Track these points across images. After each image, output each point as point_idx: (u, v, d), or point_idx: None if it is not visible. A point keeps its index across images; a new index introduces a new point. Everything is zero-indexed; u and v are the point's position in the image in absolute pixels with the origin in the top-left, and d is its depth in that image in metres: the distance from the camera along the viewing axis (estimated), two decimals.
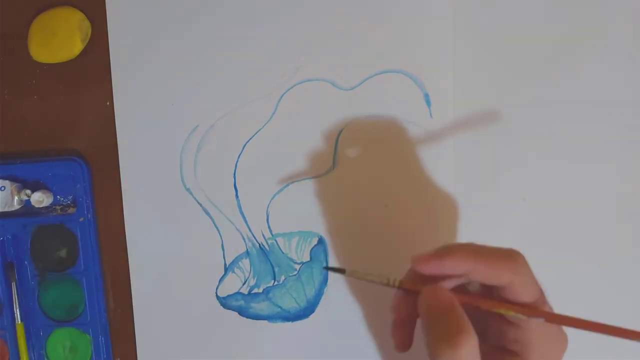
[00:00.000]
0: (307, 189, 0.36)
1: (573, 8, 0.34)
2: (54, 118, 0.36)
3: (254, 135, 0.36)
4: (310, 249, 0.36)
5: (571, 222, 0.35)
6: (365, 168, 0.35)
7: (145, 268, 0.36)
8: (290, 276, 0.36)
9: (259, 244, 0.36)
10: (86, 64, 0.36)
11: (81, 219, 0.36)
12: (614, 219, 0.35)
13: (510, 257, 0.27)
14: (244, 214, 0.36)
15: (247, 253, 0.36)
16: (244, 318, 0.36)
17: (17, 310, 0.36)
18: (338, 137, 0.35)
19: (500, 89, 0.35)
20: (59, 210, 0.36)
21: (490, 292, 0.28)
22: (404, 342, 0.30)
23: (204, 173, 0.36)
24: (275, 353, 0.36)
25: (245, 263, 0.36)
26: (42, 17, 0.35)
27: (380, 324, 0.36)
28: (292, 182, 0.36)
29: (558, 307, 0.28)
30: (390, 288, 0.29)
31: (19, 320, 0.36)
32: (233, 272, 0.36)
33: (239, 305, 0.36)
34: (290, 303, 0.36)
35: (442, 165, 0.35)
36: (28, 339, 0.36)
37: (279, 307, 0.36)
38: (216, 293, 0.36)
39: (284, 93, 0.35)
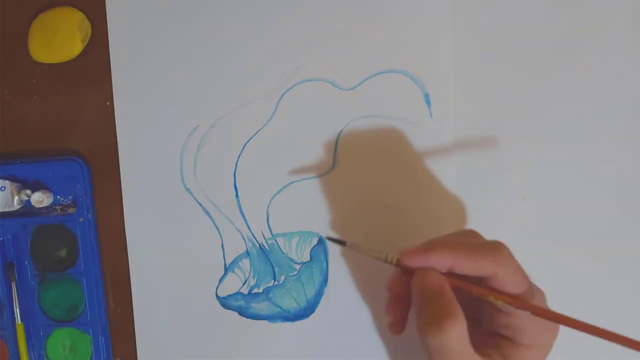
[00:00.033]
0: (307, 189, 0.36)
1: (573, 8, 0.34)
2: (54, 118, 0.36)
3: (254, 135, 0.36)
4: (310, 249, 0.36)
5: (571, 222, 0.35)
6: (365, 168, 0.35)
7: (145, 268, 0.36)
8: (290, 276, 0.36)
9: (259, 244, 0.36)
10: (86, 64, 0.36)
11: (81, 219, 0.36)
12: (614, 219, 0.35)
13: (494, 249, 0.28)
14: (244, 214, 0.36)
15: (247, 253, 0.36)
16: (244, 318, 0.36)
17: (17, 310, 0.36)
18: (338, 137, 0.35)
19: (500, 89, 0.35)
20: (59, 210, 0.36)
21: (479, 283, 0.28)
22: (397, 322, 0.31)
23: (204, 173, 0.36)
24: (275, 353, 0.36)
25: (245, 263, 0.36)
26: (42, 17, 0.35)
27: (380, 323, 0.36)
28: (292, 182, 0.36)
29: (558, 306, 0.28)
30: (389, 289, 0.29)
31: (19, 320, 0.36)
32: (233, 272, 0.36)
33: (239, 305, 0.36)
34: (290, 303, 0.36)
35: (442, 165, 0.35)
36: (28, 339, 0.36)
37: (279, 307, 0.36)
38: (216, 293, 0.36)
39: (284, 93, 0.35)
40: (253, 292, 0.36)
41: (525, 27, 0.35)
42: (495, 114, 0.35)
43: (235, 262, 0.36)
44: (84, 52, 0.36)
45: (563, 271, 0.35)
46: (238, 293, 0.36)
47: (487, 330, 0.30)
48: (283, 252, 0.36)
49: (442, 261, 0.27)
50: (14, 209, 0.35)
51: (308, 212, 0.36)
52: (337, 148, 0.35)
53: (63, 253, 0.36)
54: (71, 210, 0.36)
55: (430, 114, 0.35)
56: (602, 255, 0.35)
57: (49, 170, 0.36)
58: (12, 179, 0.36)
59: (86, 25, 0.35)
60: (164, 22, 0.35)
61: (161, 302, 0.36)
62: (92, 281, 0.36)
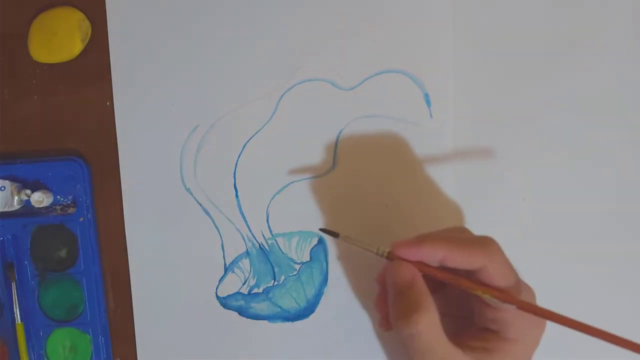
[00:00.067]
0: (307, 189, 0.36)
1: (573, 8, 0.34)
2: (54, 118, 0.36)
3: (254, 135, 0.36)
4: (310, 249, 0.36)
5: (571, 222, 0.35)
6: (365, 168, 0.35)
7: (145, 268, 0.36)
8: (290, 276, 0.36)
9: (259, 244, 0.36)
10: (86, 64, 0.36)
11: (81, 219, 0.36)
12: (614, 219, 0.35)
13: (483, 243, 0.28)
14: (244, 214, 0.36)
15: (247, 253, 0.36)
16: (244, 318, 0.36)
17: (17, 310, 0.36)
18: (338, 137, 0.35)
19: (500, 89, 0.35)
20: (59, 210, 0.36)
21: (468, 277, 0.29)
22: (387, 315, 0.31)
23: (204, 173, 0.36)
24: (275, 353, 0.36)
25: (245, 263, 0.36)
26: (42, 17, 0.35)
27: None
28: (292, 182, 0.36)
29: (558, 306, 0.28)
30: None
31: (19, 320, 0.36)
32: (233, 272, 0.36)
33: (239, 305, 0.36)
34: (290, 303, 0.36)
35: (442, 165, 0.35)
36: (28, 339, 0.36)
37: (279, 307, 0.36)
38: (216, 293, 0.36)
39: (284, 93, 0.35)
40: (253, 292, 0.36)
41: (525, 27, 0.35)
42: (495, 114, 0.35)
43: (235, 262, 0.36)
44: (84, 52, 0.36)
45: (563, 271, 0.35)
46: (238, 293, 0.36)
47: (477, 327, 0.30)
48: (283, 252, 0.36)
49: (434, 254, 0.28)
50: (14, 209, 0.35)
51: (308, 212, 0.36)
52: (337, 148, 0.35)
53: (63, 253, 0.36)
54: (71, 210, 0.36)
55: (430, 114, 0.35)
56: (602, 255, 0.35)
57: (49, 170, 0.36)
58: (12, 179, 0.36)
59: (86, 25, 0.35)
60: (164, 22, 0.35)
61: (161, 302, 0.36)
62: (92, 281, 0.36)
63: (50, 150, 0.37)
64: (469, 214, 0.35)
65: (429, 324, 0.26)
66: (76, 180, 0.36)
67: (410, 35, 0.35)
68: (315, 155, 0.35)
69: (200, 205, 0.36)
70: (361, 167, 0.35)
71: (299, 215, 0.36)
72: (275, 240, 0.36)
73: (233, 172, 0.36)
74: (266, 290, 0.36)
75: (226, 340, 0.36)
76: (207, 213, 0.36)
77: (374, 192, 0.35)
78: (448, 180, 0.35)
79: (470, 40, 0.35)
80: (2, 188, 0.35)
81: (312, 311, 0.36)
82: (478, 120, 0.35)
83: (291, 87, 0.35)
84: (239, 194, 0.36)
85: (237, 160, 0.36)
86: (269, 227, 0.36)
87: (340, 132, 0.35)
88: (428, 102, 0.35)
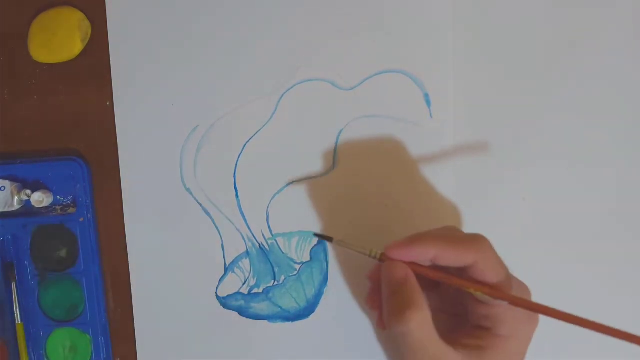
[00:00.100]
0: (307, 189, 0.36)
1: (573, 8, 0.34)
2: (54, 118, 0.36)
3: (254, 135, 0.36)
4: (310, 249, 0.36)
5: (571, 223, 0.35)
6: (365, 168, 0.35)
7: (145, 268, 0.36)
8: (290, 276, 0.36)
9: (259, 244, 0.36)
10: (86, 64, 0.36)
11: (81, 219, 0.36)
12: (614, 219, 0.35)
13: (474, 240, 0.28)
14: (244, 214, 0.36)
15: (247, 253, 0.36)
16: (244, 318, 0.36)
17: (17, 310, 0.36)
18: (338, 137, 0.35)
19: (500, 89, 0.35)
20: (59, 210, 0.36)
21: (460, 275, 0.29)
22: (380, 313, 0.31)
23: (204, 173, 0.36)
24: (275, 353, 0.36)
25: (245, 263, 0.36)
26: (42, 17, 0.35)
27: None
28: (292, 182, 0.36)
29: (557, 306, 0.28)
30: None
31: (19, 320, 0.36)
32: (233, 272, 0.36)
33: (239, 305, 0.36)
34: (290, 303, 0.36)
35: (442, 165, 0.35)
36: (28, 339, 0.36)
37: (279, 307, 0.36)
38: (216, 293, 0.36)
39: (284, 93, 0.35)
40: (253, 292, 0.36)
41: (525, 27, 0.35)
42: (495, 114, 0.35)
43: (235, 262, 0.36)
44: (84, 52, 0.36)
45: (563, 271, 0.35)
46: (238, 293, 0.36)
47: (470, 324, 0.30)
48: (283, 252, 0.36)
49: (425, 253, 0.28)
50: (14, 209, 0.35)
51: (308, 212, 0.36)
52: (337, 148, 0.35)
53: (63, 253, 0.36)
54: (71, 210, 0.36)
55: (430, 114, 0.35)
56: (602, 255, 0.35)
57: (49, 170, 0.36)
58: (12, 179, 0.36)
59: (86, 25, 0.35)
60: (164, 22, 0.35)
61: (161, 302, 0.36)
62: (92, 281, 0.36)
63: (50, 150, 0.36)
64: (469, 214, 0.35)
65: (420, 322, 0.27)
66: (76, 180, 0.36)
67: (410, 35, 0.35)
68: (315, 155, 0.35)
69: (200, 205, 0.36)
70: (361, 167, 0.35)
71: (299, 215, 0.36)
72: (275, 240, 0.36)
73: (233, 172, 0.36)
74: (266, 290, 0.36)
75: (226, 340, 0.36)
76: (207, 213, 0.36)
77: (374, 192, 0.35)
78: (448, 180, 0.35)
79: (470, 40, 0.35)
80: (2, 188, 0.35)
81: (312, 311, 0.36)
82: (478, 120, 0.35)
83: (291, 87, 0.35)
84: (239, 194, 0.36)
85: (237, 160, 0.36)
86: (269, 227, 0.36)
87: (340, 132, 0.35)
88: (428, 102, 0.35)
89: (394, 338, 0.27)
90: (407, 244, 0.29)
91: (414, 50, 0.35)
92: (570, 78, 0.35)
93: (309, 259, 0.36)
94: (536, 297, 0.30)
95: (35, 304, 0.36)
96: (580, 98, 0.35)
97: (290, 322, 0.36)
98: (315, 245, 0.36)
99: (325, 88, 0.35)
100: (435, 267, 0.29)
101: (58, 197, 0.36)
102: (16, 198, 0.35)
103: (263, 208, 0.36)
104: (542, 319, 0.29)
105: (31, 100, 0.36)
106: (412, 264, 0.29)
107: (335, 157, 0.35)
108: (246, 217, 0.36)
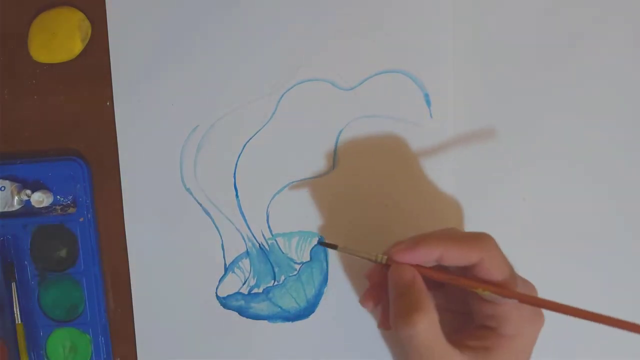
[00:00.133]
0: (307, 189, 0.36)
1: (573, 8, 0.34)
2: (54, 118, 0.36)
3: (254, 135, 0.36)
4: (310, 249, 0.36)
5: (571, 222, 0.35)
6: (365, 168, 0.35)
7: (145, 268, 0.36)
8: (290, 276, 0.36)
9: (259, 244, 0.36)
10: (86, 64, 0.36)
11: (81, 219, 0.36)
12: (614, 219, 0.35)
13: (479, 238, 0.28)
14: (244, 214, 0.36)
15: (247, 253, 0.36)
16: (244, 318, 0.36)
17: (17, 310, 0.36)
18: (338, 137, 0.35)
19: (500, 89, 0.35)
20: (59, 210, 0.36)
21: (465, 275, 0.29)
22: (384, 314, 0.32)
23: (204, 173, 0.36)
24: (275, 353, 0.36)
25: (245, 263, 0.36)
26: (42, 17, 0.35)
27: None
28: (292, 182, 0.36)
29: None
30: None
31: (19, 320, 0.36)
32: (233, 272, 0.36)
33: (239, 305, 0.36)
34: (290, 303, 0.36)
35: (442, 166, 0.35)
36: (28, 339, 0.36)
37: (279, 307, 0.36)
38: (216, 293, 0.36)
39: (284, 93, 0.35)
40: (253, 292, 0.36)
41: (525, 27, 0.35)
42: (495, 114, 0.35)
43: (235, 262, 0.36)
44: (84, 52, 0.36)
45: (563, 271, 0.35)
46: (238, 293, 0.36)
47: (475, 324, 0.30)
48: (283, 252, 0.36)
49: (430, 254, 0.28)
50: (14, 209, 0.35)
51: (308, 212, 0.36)
52: (337, 148, 0.35)
53: (63, 253, 0.36)
54: (71, 210, 0.36)
55: (430, 114, 0.35)
56: (602, 255, 0.35)
57: (49, 170, 0.36)
58: (12, 179, 0.36)
59: (86, 25, 0.35)
60: (164, 22, 0.35)
61: (161, 302, 0.36)
62: (92, 281, 0.36)
63: (50, 150, 0.37)
64: (469, 214, 0.35)
65: (427, 324, 0.26)
66: (76, 180, 0.36)
67: (410, 35, 0.35)
68: (315, 155, 0.35)
69: (200, 205, 0.36)
70: (361, 167, 0.35)
71: (299, 215, 0.36)
72: (275, 240, 0.36)
73: (233, 172, 0.36)
74: (266, 290, 0.36)
75: (226, 340, 0.36)
76: (207, 213, 0.36)
77: (374, 192, 0.35)
78: (448, 180, 0.35)
79: (470, 40, 0.35)
80: (2, 188, 0.35)
81: (312, 311, 0.36)
82: (478, 120, 0.35)
83: (291, 87, 0.35)
84: (239, 194, 0.36)
85: (237, 160, 0.36)
86: (269, 227, 0.36)
87: (340, 132, 0.35)
88: (428, 102, 0.35)
89: (400, 340, 0.27)
90: (411, 246, 0.29)
91: (414, 50, 0.35)
92: (570, 78, 0.35)
93: (309, 259, 0.36)
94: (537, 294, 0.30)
95: (35, 304, 0.36)
96: (580, 98, 0.35)
97: (290, 322, 0.36)
98: (315, 245, 0.36)
99: (325, 88, 0.35)
100: (441, 268, 0.29)
101: (58, 197, 0.36)
102: (16, 198, 0.35)
103: (263, 208, 0.36)
104: (548, 318, 0.28)
105: (31, 100, 0.36)
106: (418, 267, 0.29)
107: (335, 157, 0.35)
108: (246, 217, 0.36)
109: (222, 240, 0.36)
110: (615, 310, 0.35)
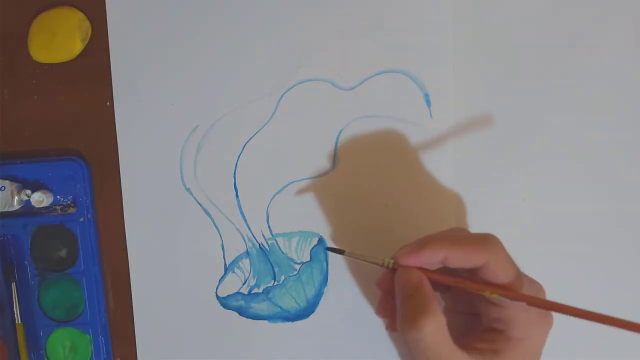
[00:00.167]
0: (307, 189, 0.36)
1: (573, 8, 0.34)
2: (54, 118, 0.36)
3: (254, 135, 0.36)
4: (310, 249, 0.36)
5: (571, 222, 0.35)
6: (365, 168, 0.35)
7: (145, 268, 0.36)
8: (290, 276, 0.36)
9: (259, 244, 0.36)
10: (86, 64, 0.36)
11: (81, 219, 0.36)
12: (614, 219, 0.35)
13: (485, 240, 0.28)
14: (244, 214, 0.36)
15: (247, 253, 0.36)
16: (244, 318, 0.36)
17: (17, 310, 0.36)
18: (338, 137, 0.35)
19: (500, 89, 0.35)
20: (59, 210, 0.36)
21: (472, 277, 0.29)
22: (391, 319, 0.31)
23: (204, 173, 0.36)
24: (275, 353, 0.36)
25: (245, 263, 0.36)
26: (42, 17, 0.35)
27: (380, 323, 0.36)
28: (292, 182, 0.36)
29: None
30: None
31: (19, 320, 0.36)
32: (233, 272, 0.36)
33: (239, 305, 0.36)
34: (290, 303, 0.36)
35: (442, 166, 0.35)
36: (28, 339, 0.36)
37: (279, 307, 0.36)
38: (216, 293, 0.36)
39: (284, 93, 0.35)
40: (253, 292, 0.36)
41: (525, 27, 0.35)
42: (495, 114, 0.35)
43: (235, 262, 0.36)
44: (84, 52, 0.36)
45: (563, 271, 0.35)
46: (238, 293, 0.36)
47: (483, 327, 0.30)
48: (283, 252, 0.36)
49: (435, 256, 0.28)
50: (14, 209, 0.35)
51: (308, 212, 0.36)
52: (337, 148, 0.35)
53: (63, 253, 0.36)
54: (71, 210, 0.36)
55: (430, 114, 0.35)
56: (602, 255, 0.35)
57: (49, 170, 0.36)
58: (12, 179, 0.36)
59: (86, 25, 0.35)
60: (164, 22, 0.35)
61: (161, 302, 0.36)
62: (92, 281, 0.36)
63: (50, 150, 0.37)
64: (469, 215, 0.35)
65: (435, 328, 0.26)
66: (76, 180, 0.36)
67: (410, 35, 0.35)
68: (315, 155, 0.35)
69: (200, 205, 0.36)
70: (361, 167, 0.35)
71: (299, 215, 0.36)
72: (275, 240, 0.36)
73: (233, 172, 0.36)
74: (266, 290, 0.36)
75: (226, 340, 0.36)
76: (207, 213, 0.36)
77: (374, 192, 0.35)
78: (448, 180, 0.35)
79: (470, 40, 0.35)
80: (2, 188, 0.35)
81: (312, 311, 0.36)
82: (478, 120, 0.35)
83: (291, 87, 0.35)
84: (239, 194, 0.36)
85: (237, 160, 0.36)
86: (269, 227, 0.36)
87: (340, 132, 0.35)
88: (428, 102, 0.35)
89: (407, 344, 0.27)
90: (417, 248, 0.28)
91: (414, 50, 0.35)
92: (570, 78, 0.35)
93: (309, 259, 0.36)
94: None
95: (35, 304, 0.36)
96: (580, 98, 0.35)
97: (290, 322, 0.36)
98: (315, 245, 0.36)
99: (325, 88, 0.35)
100: (448, 272, 0.29)
101: (58, 197, 0.36)
102: (16, 198, 0.35)
103: (263, 208, 0.36)
104: (557, 319, 0.28)
105: (31, 100, 0.36)
106: (425, 270, 0.29)
107: (335, 157, 0.35)
108: (246, 217, 0.36)
109: (222, 240, 0.36)
110: (615, 310, 0.35)
